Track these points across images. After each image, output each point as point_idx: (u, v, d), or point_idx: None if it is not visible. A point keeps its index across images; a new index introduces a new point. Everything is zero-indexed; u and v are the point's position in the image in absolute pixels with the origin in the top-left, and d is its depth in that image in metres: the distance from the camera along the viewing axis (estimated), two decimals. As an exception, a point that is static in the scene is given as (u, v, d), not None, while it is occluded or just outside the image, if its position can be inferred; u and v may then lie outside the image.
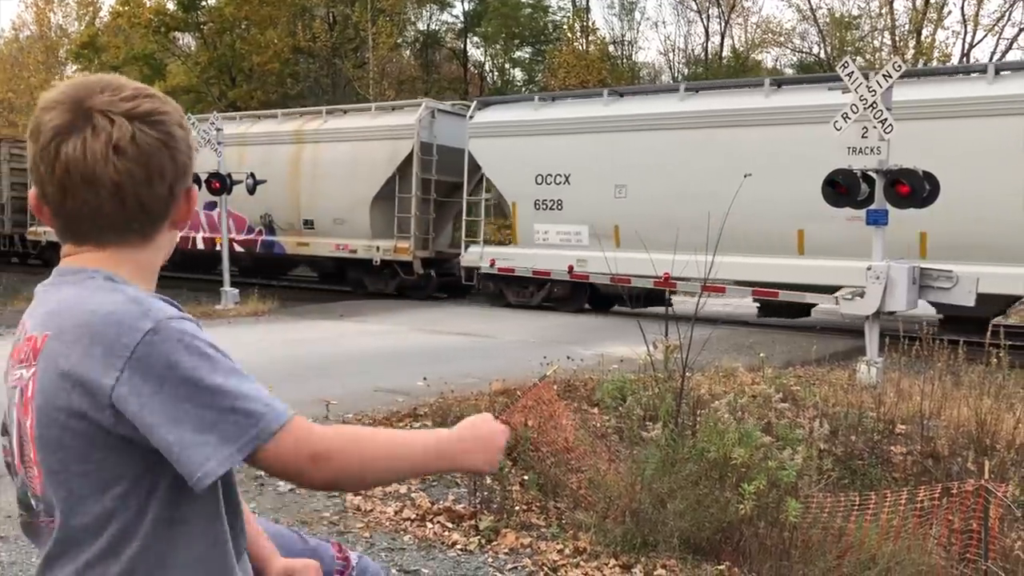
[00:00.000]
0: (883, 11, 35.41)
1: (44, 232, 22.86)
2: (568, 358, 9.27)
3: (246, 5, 36.28)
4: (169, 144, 1.35)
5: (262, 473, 4.37)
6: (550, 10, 42.55)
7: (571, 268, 15.64)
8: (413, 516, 4.87)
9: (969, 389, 6.89)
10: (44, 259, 23.78)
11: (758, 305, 15.12)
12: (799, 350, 11.11)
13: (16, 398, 1.35)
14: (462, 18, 42.97)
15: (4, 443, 1.42)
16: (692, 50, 42.05)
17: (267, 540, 1.69)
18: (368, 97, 32.75)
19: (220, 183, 15.92)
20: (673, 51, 43.16)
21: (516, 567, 4.28)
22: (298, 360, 9.88)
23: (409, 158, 17.71)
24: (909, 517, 4.34)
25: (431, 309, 16.23)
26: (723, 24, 40.18)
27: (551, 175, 16.07)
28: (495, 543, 4.53)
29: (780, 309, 14.83)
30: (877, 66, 22.96)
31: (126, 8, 37.48)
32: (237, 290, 16.24)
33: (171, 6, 38.27)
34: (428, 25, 43.43)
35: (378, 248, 18.16)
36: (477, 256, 17.07)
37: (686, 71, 40.11)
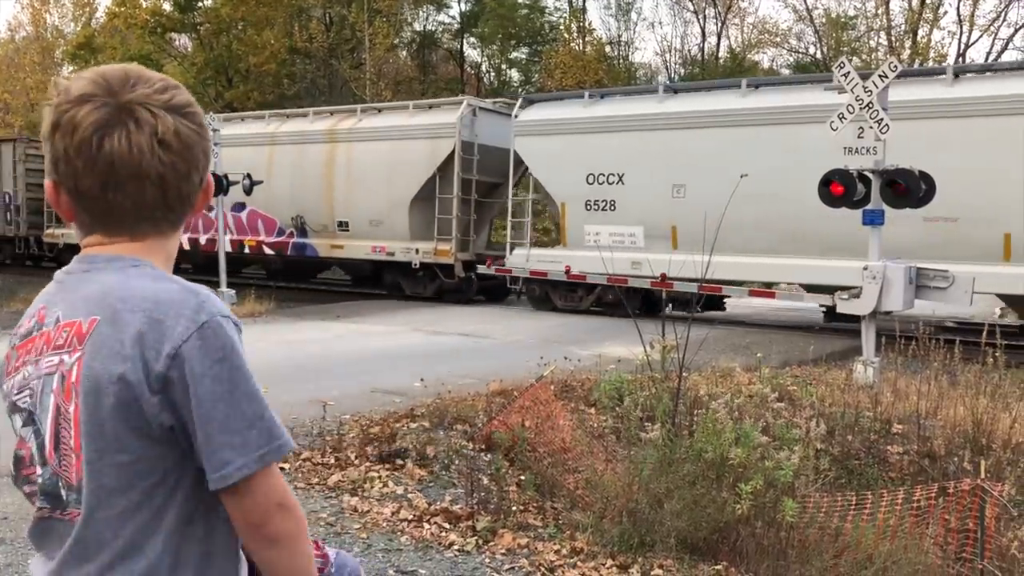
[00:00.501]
0: (879, 11, 35.49)
1: (62, 235, 22.10)
2: (565, 358, 9.28)
3: (242, 6, 36.22)
4: (203, 135, 1.40)
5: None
6: (546, 11, 42.57)
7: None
8: (410, 517, 4.86)
9: (965, 389, 6.91)
10: (59, 262, 23.46)
11: (823, 311, 14.43)
12: (796, 350, 11.13)
13: (55, 384, 1.34)
14: (458, 19, 42.98)
15: (24, 434, 1.40)
16: (688, 50, 42.09)
17: None
18: (365, 98, 32.71)
19: (216, 183, 15.90)
20: (669, 51, 43.13)
21: (513, 567, 4.28)
22: (295, 361, 9.87)
23: (450, 157, 17.13)
24: (906, 516, 4.35)
25: (430, 309, 16.20)
26: (719, 24, 40.21)
27: (603, 174, 15.41)
28: (492, 543, 4.53)
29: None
30: (873, 67, 22.92)
31: (122, 9, 37.41)
32: (234, 291, 16.19)
33: (167, 7, 38.22)
34: (424, 26, 43.43)
35: (417, 250, 17.55)
36: (523, 258, 16.35)
37: (682, 71, 40.13)
